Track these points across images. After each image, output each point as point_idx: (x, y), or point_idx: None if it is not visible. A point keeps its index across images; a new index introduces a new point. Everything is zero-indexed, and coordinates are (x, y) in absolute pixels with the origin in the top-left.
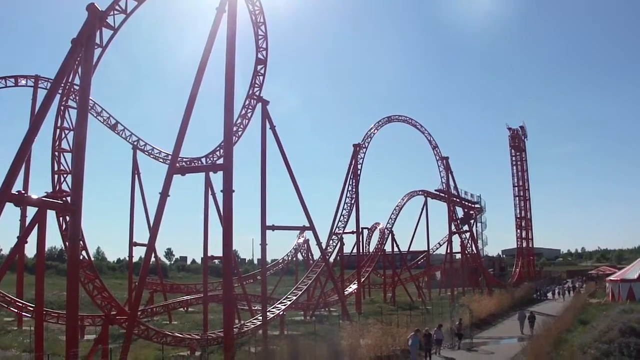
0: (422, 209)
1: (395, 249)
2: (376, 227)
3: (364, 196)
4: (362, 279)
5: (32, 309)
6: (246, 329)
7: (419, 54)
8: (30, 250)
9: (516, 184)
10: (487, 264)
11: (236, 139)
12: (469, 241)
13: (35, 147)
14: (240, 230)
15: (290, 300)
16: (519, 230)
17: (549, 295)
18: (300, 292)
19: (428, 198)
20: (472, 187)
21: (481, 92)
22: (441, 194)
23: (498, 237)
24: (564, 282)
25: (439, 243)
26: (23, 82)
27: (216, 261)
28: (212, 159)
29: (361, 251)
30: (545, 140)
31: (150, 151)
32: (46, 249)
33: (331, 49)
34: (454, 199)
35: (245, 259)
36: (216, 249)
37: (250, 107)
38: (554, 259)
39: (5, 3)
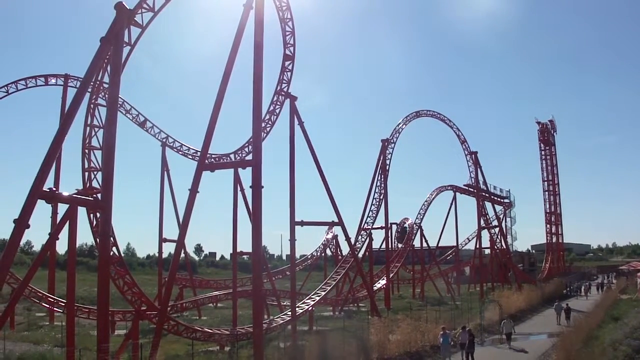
0: (451, 204)
1: (424, 244)
2: (405, 223)
3: (393, 191)
4: (391, 275)
5: (63, 304)
6: (275, 324)
7: (445, 48)
8: (61, 246)
9: (545, 179)
10: (516, 260)
11: (265, 135)
12: (498, 236)
13: (65, 145)
14: (269, 226)
15: (319, 296)
16: (548, 225)
17: (582, 291)
18: (329, 288)
19: (457, 193)
20: (501, 181)
21: (510, 86)
22: (470, 189)
23: (527, 232)
24: (594, 277)
25: (467, 238)
26: (53, 81)
27: (245, 257)
28: (240, 155)
29: (390, 246)
30: (575, 133)
31: (179, 148)
32: (77, 246)
33: (357, 44)
34: (483, 193)
35: (274, 255)
36: (245, 245)
37: (278, 103)
38: (584, 254)
39: (35, 4)
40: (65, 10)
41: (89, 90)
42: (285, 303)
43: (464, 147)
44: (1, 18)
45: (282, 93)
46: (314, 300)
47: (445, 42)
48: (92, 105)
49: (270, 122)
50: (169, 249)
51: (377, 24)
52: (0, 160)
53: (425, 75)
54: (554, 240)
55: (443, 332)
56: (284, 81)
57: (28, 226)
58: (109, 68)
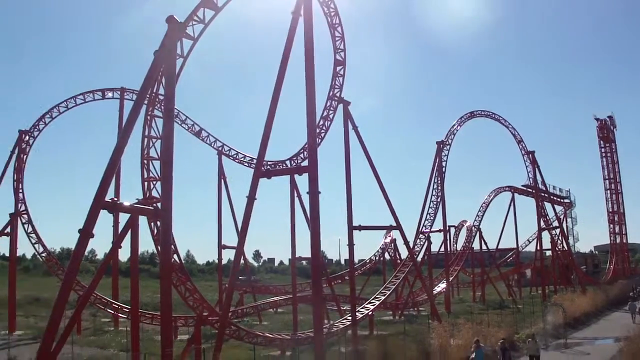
0: (510, 205)
1: (484, 246)
2: (463, 225)
3: (449, 193)
4: (451, 278)
5: (127, 310)
6: (336, 329)
7: (500, 45)
8: (123, 254)
9: (606, 177)
10: (579, 261)
11: (319, 140)
12: (560, 237)
13: (124, 156)
14: (326, 231)
15: (378, 300)
16: (611, 225)
17: None
18: (388, 292)
19: (515, 194)
20: (560, 181)
21: (566, 83)
22: (528, 189)
23: (590, 232)
24: None
25: (528, 240)
26: (110, 94)
27: (304, 262)
28: (296, 161)
29: (449, 250)
30: (636, 130)
31: (234, 156)
32: (138, 253)
33: (407, 45)
34: (542, 194)
35: (332, 260)
36: (304, 250)
37: (331, 108)
38: None
39: (88, 23)
40: (117, 26)
41: (145, 102)
42: (345, 308)
43: (520, 146)
44: (56, 38)
45: (335, 98)
46: (373, 305)
47: (498, 40)
48: (149, 117)
49: (324, 128)
50: (228, 255)
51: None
52: (64, 173)
53: (477, 75)
54: (618, 240)
55: (476, 346)
56: (336, 86)
57: (92, 236)
58: (163, 80)
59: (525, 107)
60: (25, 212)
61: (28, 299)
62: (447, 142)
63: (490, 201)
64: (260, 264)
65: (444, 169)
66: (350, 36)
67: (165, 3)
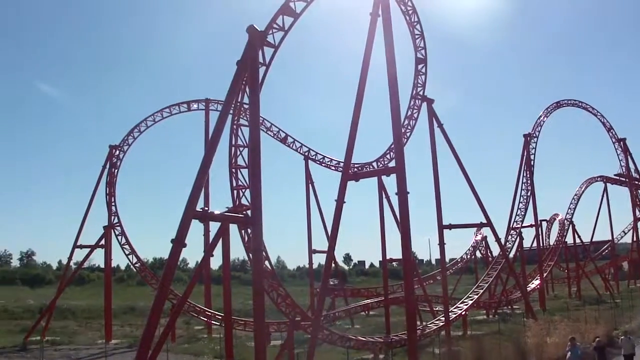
0: (602, 196)
1: (578, 240)
2: (555, 219)
3: (539, 187)
4: (545, 274)
5: (220, 317)
6: (429, 330)
7: (587, 29)
8: (214, 262)
9: None
10: None
11: (405, 140)
12: None
13: (213, 165)
14: (416, 231)
15: (471, 300)
16: None
17: None
18: (481, 291)
19: (607, 184)
20: None
21: None
22: (621, 178)
23: None
24: None
25: (623, 231)
26: (195, 106)
27: (394, 264)
28: (383, 162)
29: (541, 245)
30: None
31: (321, 160)
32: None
33: (489, 38)
34: (636, 182)
35: (423, 260)
36: (394, 252)
37: (415, 107)
38: None
39: (170, 39)
40: (198, 39)
41: (231, 112)
42: (437, 308)
43: (610, 134)
44: (137, 52)
45: (419, 97)
46: (466, 304)
47: (586, 23)
48: (235, 126)
49: (409, 127)
50: (318, 259)
51: (510, 14)
52: (154, 185)
53: (559, 62)
54: None
55: (571, 344)
56: (419, 85)
57: (185, 245)
58: (247, 89)
59: (614, 93)
60: (118, 224)
61: (123, 309)
62: (534, 134)
63: (582, 192)
64: (350, 267)
65: (532, 162)
66: (431, 33)
67: (244, 13)
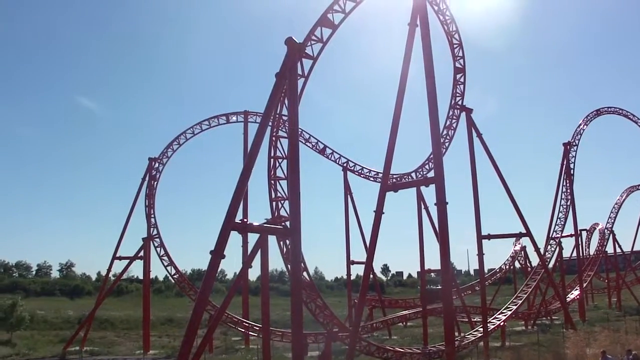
0: None
1: (618, 250)
2: (595, 228)
3: (579, 196)
4: (584, 284)
5: (258, 328)
6: (467, 341)
7: (623, 30)
8: (252, 273)
9: None
10: None
11: (444, 150)
12: None
13: (252, 177)
14: (454, 242)
15: (510, 310)
16: None
17: None
18: (520, 301)
19: None
20: None
21: None
22: None
23: None
24: None
25: None
26: (234, 118)
27: (432, 274)
28: (422, 172)
29: (581, 255)
30: None
31: (359, 171)
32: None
33: (526, 45)
34: None
35: (461, 270)
36: (432, 262)
37: (454, 117)
38: None
39: (210, 54)
40: (237, 52)
41: (270, 123)
42: (475, 319)
43: None
44: (178, 67)
45: (457, 107)
46: (505, 315)
47: (623, 26)
48: (273, 138)
49: (448, 137)
50: (356, 270)
51: (546, 21)
52: (193, 197)
53: (596, 68)
54: None
55: (602, 357)
56: (458, 94)
57: (223, 256)
58: (286, 101)
59: None
60: (157, 235)
61: (161, 320)
62: (574, 143)
63: (623, 201)
64: (388, 278)
65: (572, 170)
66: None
67: (283, 25)
